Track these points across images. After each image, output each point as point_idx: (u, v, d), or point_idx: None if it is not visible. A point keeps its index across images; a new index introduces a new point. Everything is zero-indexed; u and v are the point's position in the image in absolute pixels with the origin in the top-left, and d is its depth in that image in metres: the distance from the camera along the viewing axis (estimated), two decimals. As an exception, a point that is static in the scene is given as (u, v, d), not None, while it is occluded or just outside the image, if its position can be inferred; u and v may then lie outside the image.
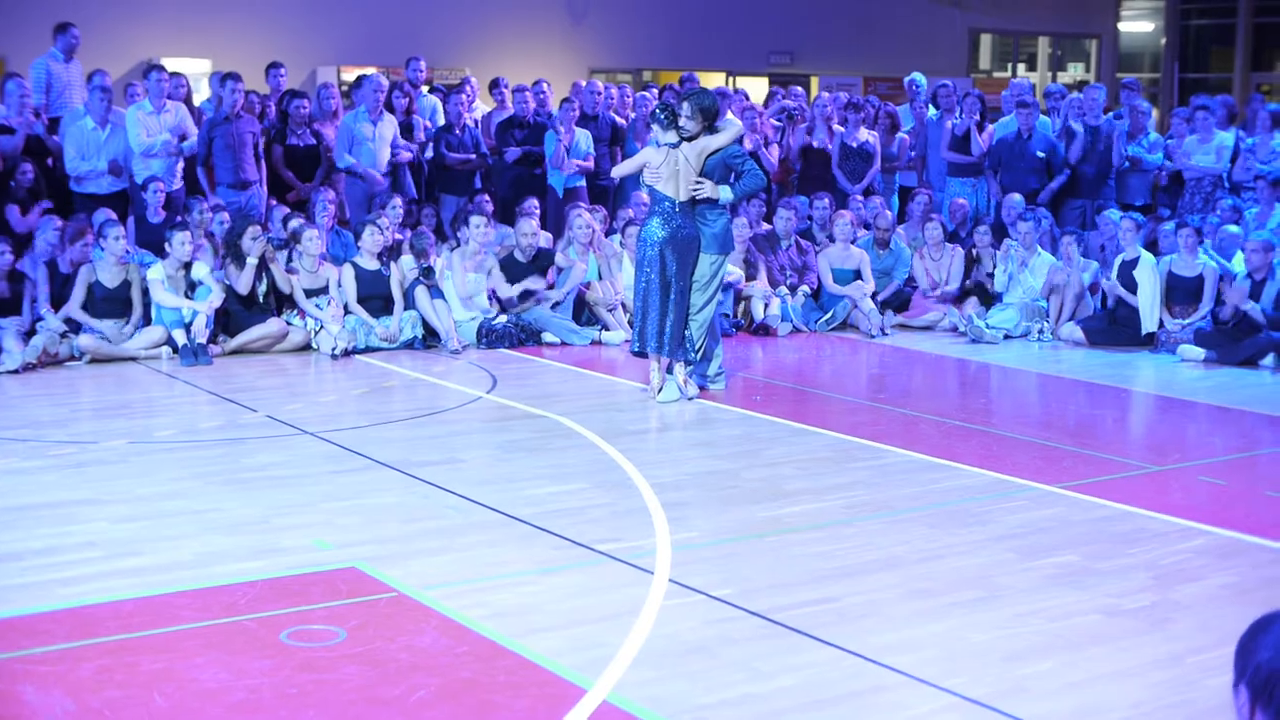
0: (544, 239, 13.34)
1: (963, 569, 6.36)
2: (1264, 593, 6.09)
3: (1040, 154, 15.27)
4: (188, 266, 11.68)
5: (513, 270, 12.83)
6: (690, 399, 10.07)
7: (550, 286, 12.92)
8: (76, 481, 7.73)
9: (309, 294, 12.17)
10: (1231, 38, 31.58)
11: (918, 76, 17.33)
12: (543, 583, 6.11)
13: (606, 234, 13.70)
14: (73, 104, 13.93)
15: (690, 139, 10.02)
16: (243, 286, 11.83)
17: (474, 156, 14.85)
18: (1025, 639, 5.50)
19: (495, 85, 16.04)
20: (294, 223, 12.65)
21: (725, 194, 10.15)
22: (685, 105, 10.05)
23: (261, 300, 12.04)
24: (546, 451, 8.58)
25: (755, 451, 8.65)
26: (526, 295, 12.75)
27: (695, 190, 9.97)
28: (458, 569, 6.27)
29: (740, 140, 10.42)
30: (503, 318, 12.50)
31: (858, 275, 13.72)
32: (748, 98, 16.96)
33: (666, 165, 9.98)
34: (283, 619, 5.58)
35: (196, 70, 18.33)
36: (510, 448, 8.70)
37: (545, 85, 16.01)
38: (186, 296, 11.54)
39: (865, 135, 15.68)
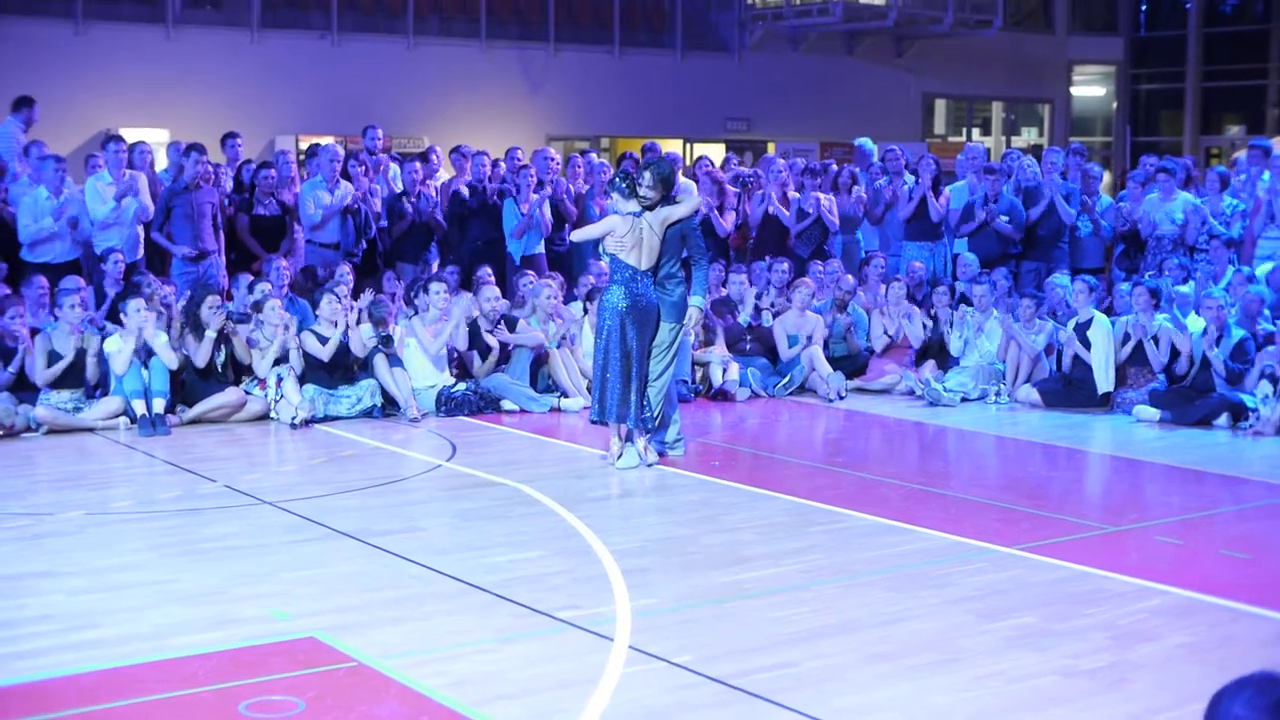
0: (504, 305, 13.36)
1: (922, 632, 6.38)
2: (1221, 652, 6.13)
3: (1005, 218, 15.45)
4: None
5: (476, 338, 12.84)
6: (650, 465, 10.08)
7: (507, 357, 12.93)
8: (33, 554, 7.68)
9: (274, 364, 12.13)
10: (1181, 102, 32.07)
11: (866, 142, 17.52)
12: (503, 651, 6.10)
13: (565, 301, 13.72)
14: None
15: (650, 207, 10.08)
16: (200, 359, 11.78)
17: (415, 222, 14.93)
18: (985, 701, 5.52)
19: (455, 150, 16.10)
20: (258, 289, 12.61)
21: (698, 302, 10.34)
22: (645, 174, 10.11)
23: (220, 370, 11.99)
24: (506, 519, 8.57)
25: (714, 517, 8.66)
26: (486, 349, 12.79)
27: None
28: (417, 638, 6.25)
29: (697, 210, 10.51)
30: (461, 385, 12.50)
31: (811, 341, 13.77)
32: (712, 163, 17.07)
33: (631, 234, 10.03)
34: (242, 690, 5.56)
35: (154, 140, 18.36)
36: (470, 516, 8.69)
37: (519, 152, 16.06)
38: (143, 365, 11.46)
39: (825, 201, 15.80)
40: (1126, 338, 12.72)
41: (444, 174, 16.20)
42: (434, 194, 15.32)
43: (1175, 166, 15.90)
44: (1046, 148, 19.53)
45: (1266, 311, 13.01)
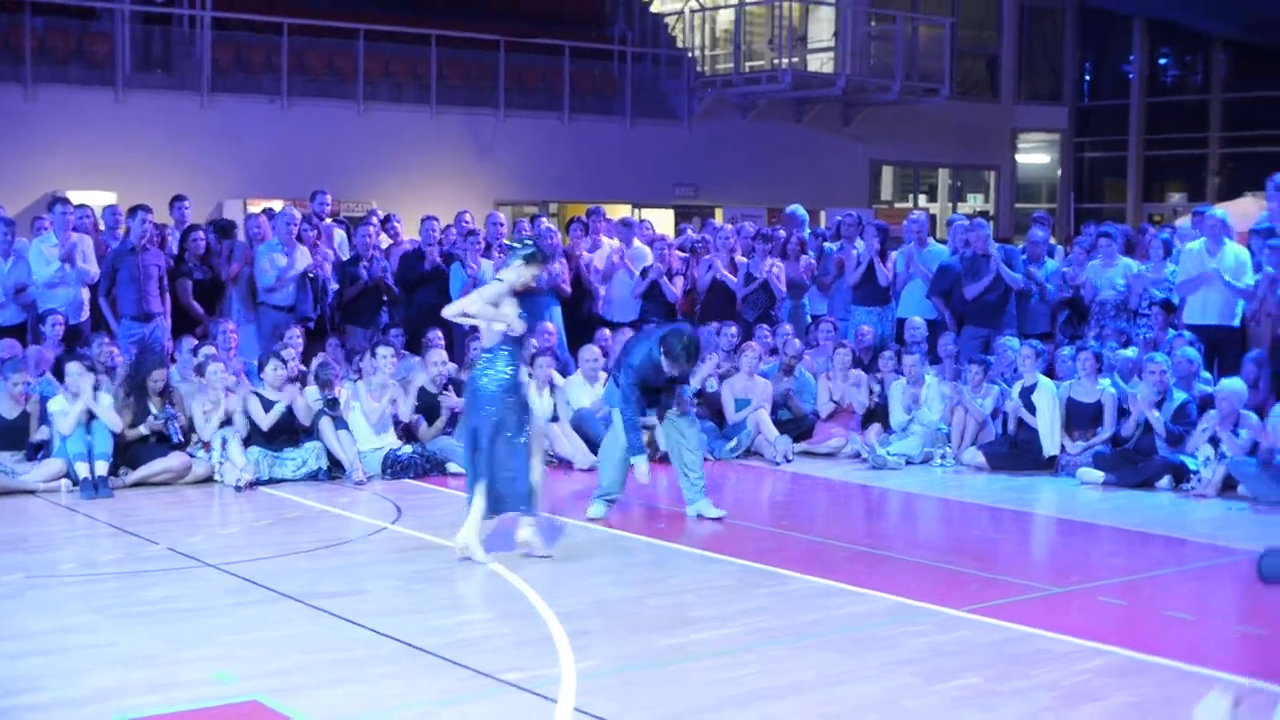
0: (451, 369, 13.34)
1: (867, 694, 6.38)
2: (1165, 711, 6.17)
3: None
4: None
5: (424, 399, 12.81)
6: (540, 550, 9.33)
7: (455, 420, 12.90)
8: (-29, 617, 7.61)
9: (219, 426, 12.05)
10: (1124, 170, 32.50)
11: (798, 209, 17.66)
12: (446, 713, 6.07)
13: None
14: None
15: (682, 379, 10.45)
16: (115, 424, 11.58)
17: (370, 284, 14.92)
18: (928, 761, 5.53)
19: (387, 221, 16.24)
20: (201, 352, 12.58)
21: (641, 463, 10.35)
22: (679, 350, 10.03)
23: (165, 434, 11.90)
24: (450, 581, 8.55)
25: (659, 579, 8.66)
26: (432, 415, 12.75)
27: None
28: (360, 700, 6.21)
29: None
30: (408, 448, 12.45)
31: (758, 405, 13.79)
32: (652, 228, 17.17)
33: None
34: (181, 753, 5.51)
35: (101, 202, 18.28)
36: (414, 578, 8.65)
37: (468, 217, 16.13)
38: (85, 428, 11.36)
39: (775, 268, 15.85)
40: (1070, 402, 12.79)
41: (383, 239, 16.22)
42: (382, 257, 15.32)
43: (1115, 232, 16.01)
44: (989, 214, 19.61)
45: (1206, 374, 13.13)
